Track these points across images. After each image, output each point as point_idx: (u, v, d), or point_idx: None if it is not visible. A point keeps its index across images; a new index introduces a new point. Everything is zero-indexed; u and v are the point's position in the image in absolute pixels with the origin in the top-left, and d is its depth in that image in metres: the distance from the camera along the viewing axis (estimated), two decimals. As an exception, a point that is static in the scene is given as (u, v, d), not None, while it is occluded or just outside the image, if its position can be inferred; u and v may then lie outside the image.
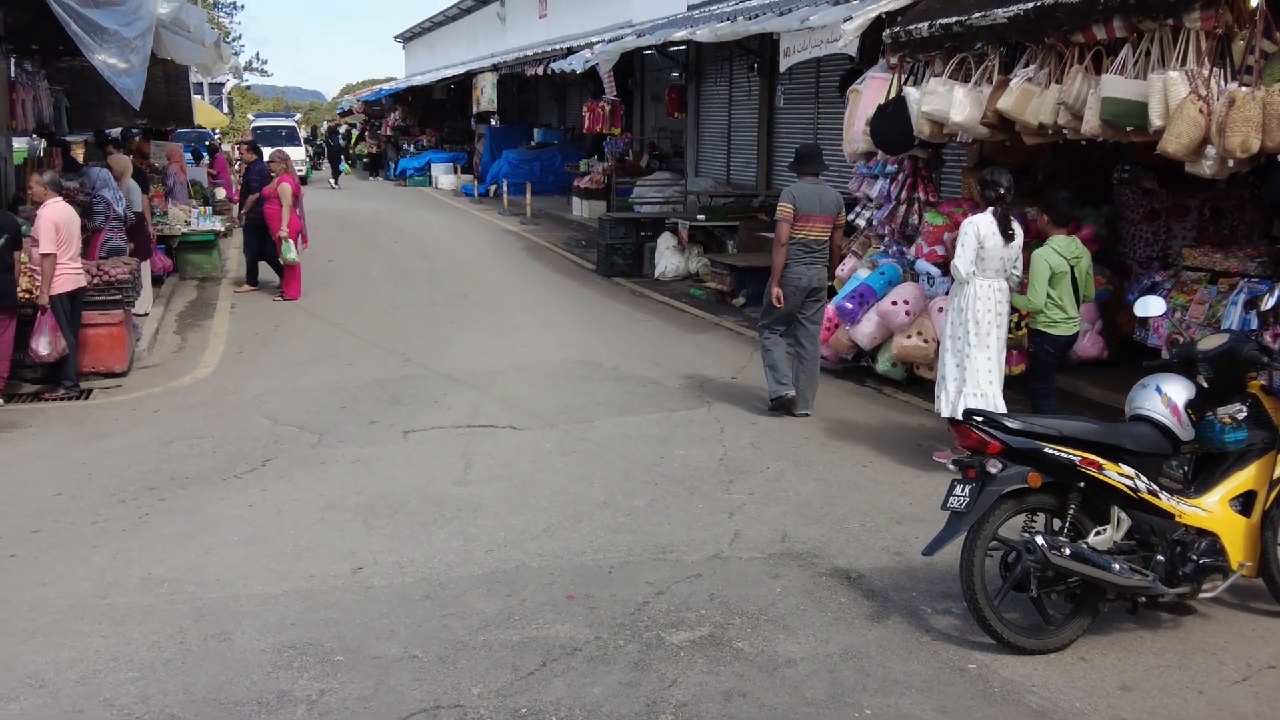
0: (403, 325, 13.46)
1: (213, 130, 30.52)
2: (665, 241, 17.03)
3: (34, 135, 17.10)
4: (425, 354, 11.84)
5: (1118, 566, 5.22)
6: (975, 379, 7.88)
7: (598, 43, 20.62)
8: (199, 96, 27.59)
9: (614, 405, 9.74)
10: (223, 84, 37.96)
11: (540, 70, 24.43)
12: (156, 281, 15.17)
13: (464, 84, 34.09)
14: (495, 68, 30.23)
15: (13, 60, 14.64)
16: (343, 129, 50.68)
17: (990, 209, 7.87)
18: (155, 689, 4.88)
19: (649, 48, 18.73)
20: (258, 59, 74.89)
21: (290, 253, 14.92)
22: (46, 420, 9.52)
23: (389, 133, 44.28)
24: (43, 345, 9.88)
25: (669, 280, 16.64)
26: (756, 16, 14.23)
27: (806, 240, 9.10)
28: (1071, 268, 7.62)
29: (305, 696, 4.81)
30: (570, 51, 22.11)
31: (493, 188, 30.56)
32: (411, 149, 40.14)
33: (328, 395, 10.19)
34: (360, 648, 5.26)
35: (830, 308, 10.24)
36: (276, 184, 15.01)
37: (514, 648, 5.26)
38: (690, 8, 20.35)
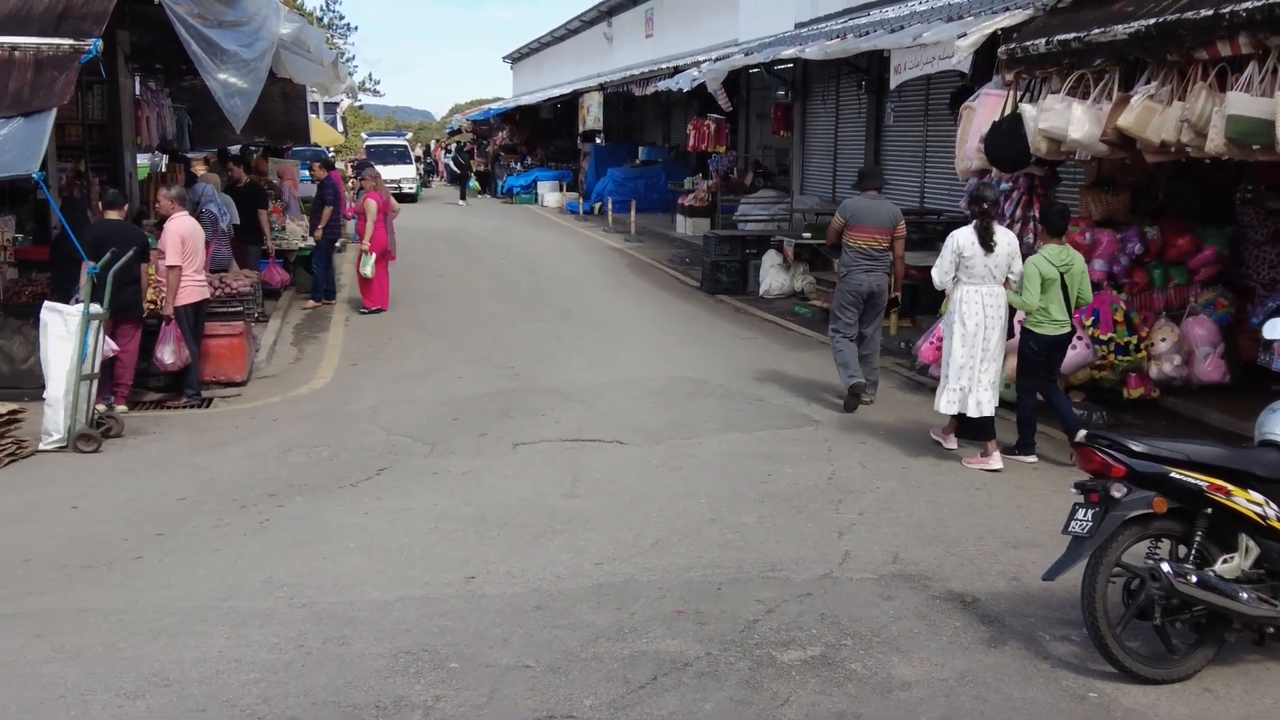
0: (510, 340, 13.63)
1: (327, 148, 31.31)
2: (770, 259, 16.99)
3: (156, 152, 17.75)
4: (532, 368, 11.98)
5: (1245, 596, 5.06)
6: (957, 375, 8.40)
7: (704, 61, 20.69)
8: (315, 115, 28.38)
9: (719, 422, 9.73)
10: (337, 103, 38.95)
11: (646, 89, 24.60)
12: (273, 295, 15.60)
13: (570, 103, 34.50)
14: (601, 87, 30.54)
15: (138, 79, 15.21)
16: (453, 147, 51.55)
17: (973, 222, 8.40)
18: (276, 690, 5.00)
19: (756, 66, 18.74)
20: (370, 79, 76.55)
21: (366, 268, 15.23)
22: (169, 427, 9.83)
23: (496, 151, 44.95)
24: (167, 354, 10.21)
25: (774, 298, 16.59)
26: (866, 34, 14.15)
27: (863, 248, 9.95)
28: (1062, 274, 8.18)
29: (421, 702, 4.88)
30: (676, 70, 22.22)
31: (597, 205, 30.83)
32: (518, 167, 40.69)
33: (438, 407, 10.37)
34: (474, 655, 5.33)
35: (941, 326, 10.14)
36: (362, 200, 15.35)
37: (624, 661, 5.28)
38: (798, 26, 20.30)
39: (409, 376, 11.79)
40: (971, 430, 8.51)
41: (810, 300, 15.51)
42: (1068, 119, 8.80)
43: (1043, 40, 9.37)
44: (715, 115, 23.38)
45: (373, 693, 4.97)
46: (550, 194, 35.92)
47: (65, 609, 5.92)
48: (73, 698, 4.93)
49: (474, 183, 39.99)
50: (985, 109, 10.23)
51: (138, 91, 15.24)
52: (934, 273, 8.54)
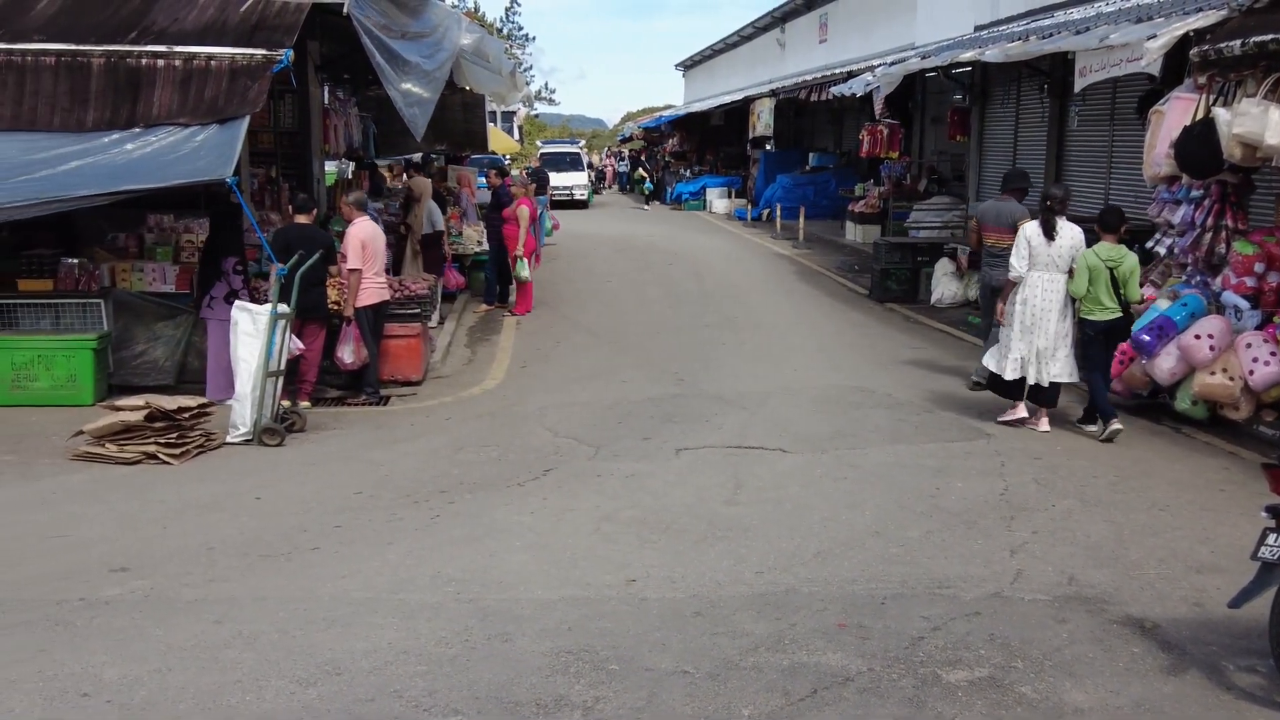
0: (675, 345, 13.68)
1: (503, 156, 32.05)
2: (943, 267, 16.60)
3: (343, 159, 18.47)
4: (696, 374, 11.99)
5: None
6: (1018, 349, 9.46)
7: (879, 65, 20.37)
8: (492, 124, 29.09)
9: (886, 433, 9.55)
10: (514, 112, 39.83)
11: (818, 95, 24.36)
12: (450, 298, 16.03)
13: (741, 110, 34.47)
14: (773, 93, 30.41)
15: (327, 88, 15.84)
16: (626, 153, 52.16)
17: (1040, 215, 9.48)
18: (442, 684, 5.11)
19: (932, 69, 18.36)
20: (546, 88, 78.13)
21: (524, 271, 15.47)
22: (349, 423, 10.20)
23: (667, 158, 45.23)
24: (347, 354, 10.59)
25: (945, 307, 16.20)
26: (1050, 36, 13.70)
27: (989, 246, 11.10)
28: (1112, 269, 9.10)
29: (581, 702, 4.93)
30: (850, 75, 21.95)
31: (765, 212, 30.69)
32: (687, 174, 40.86)
33: (604, 410, 10.47)
34: (633, 658, 5.35)
35: (1129, 343, 9.79)
36: (515, 206, 15.59)
37: (784, 672, 5.22)
38: (977, 28, 19.82)
39: (576, 379, 11.95)
40: (1036, 397, 9.56)
41: (984, 310, 15.11)
42: (1264, 124, 8.38)
43: (1238, 42, 8.92)
44: (889, 120, 22.99)
45: (534, 690, 5.04)
46: (718, 200, 35.98)
47: (245, 596, 6.17)
48: (248, 682, 5.12)
49: (650, 184, 40.37)
50: (1175, 113, 9.80)
51: (326, 100, 15.86)
52: (1012, 262, 9.55)
